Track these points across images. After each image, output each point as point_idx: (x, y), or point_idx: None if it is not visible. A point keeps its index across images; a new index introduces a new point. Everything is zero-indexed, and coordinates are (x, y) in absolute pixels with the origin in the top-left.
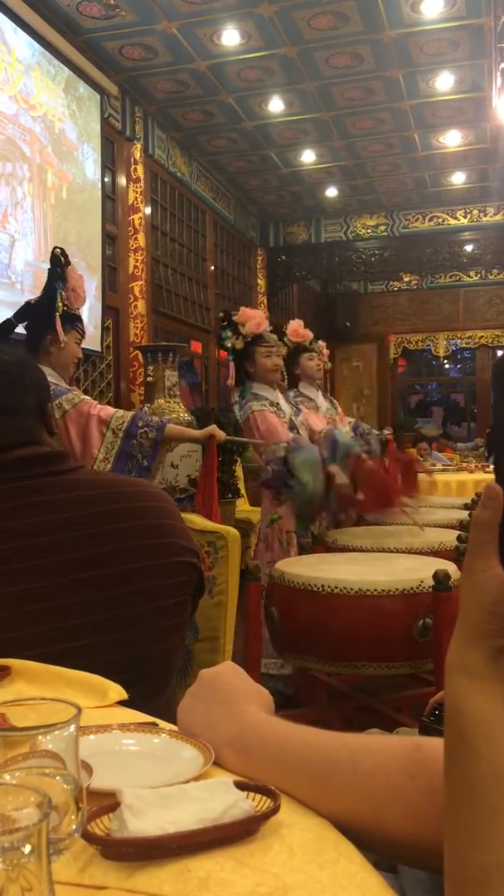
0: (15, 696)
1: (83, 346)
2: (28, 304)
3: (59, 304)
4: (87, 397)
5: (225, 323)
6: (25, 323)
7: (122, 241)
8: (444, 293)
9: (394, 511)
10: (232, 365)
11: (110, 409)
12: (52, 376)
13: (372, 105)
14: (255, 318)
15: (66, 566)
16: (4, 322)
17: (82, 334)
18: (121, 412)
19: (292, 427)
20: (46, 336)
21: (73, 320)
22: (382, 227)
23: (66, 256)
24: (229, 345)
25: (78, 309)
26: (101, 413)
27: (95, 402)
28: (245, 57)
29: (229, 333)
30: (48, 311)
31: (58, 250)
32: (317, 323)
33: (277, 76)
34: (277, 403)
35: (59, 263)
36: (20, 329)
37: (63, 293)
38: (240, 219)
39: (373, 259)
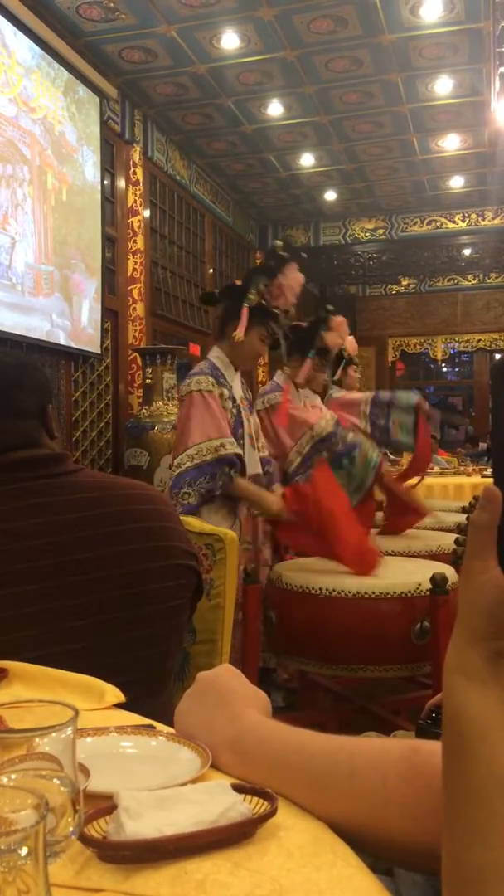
0: (12, 698)
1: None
2: (234, 284)
3: (252, 296)
4: (206, 391)
5: (272, 263)
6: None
7: (121, 244)
8: (443, 297)
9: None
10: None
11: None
12: (218, 359)
13: (371, 109)
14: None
15: (65, 568)
16: (206, 294)
17: (270, 334)
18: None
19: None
20: (231, 322)
21: (265, 317)
22: (381, 231)
23: (287, 249)
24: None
25: (281, 309)
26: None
27: (210, 401)
28: (244, 60)
29: (261, 285)
30: (240, 298)
31: (277, 242)
32: None
33: (277, 79)
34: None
35: (272, 256)
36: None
37: (262, 286)
38: (239, 222)
39: (371, 262)
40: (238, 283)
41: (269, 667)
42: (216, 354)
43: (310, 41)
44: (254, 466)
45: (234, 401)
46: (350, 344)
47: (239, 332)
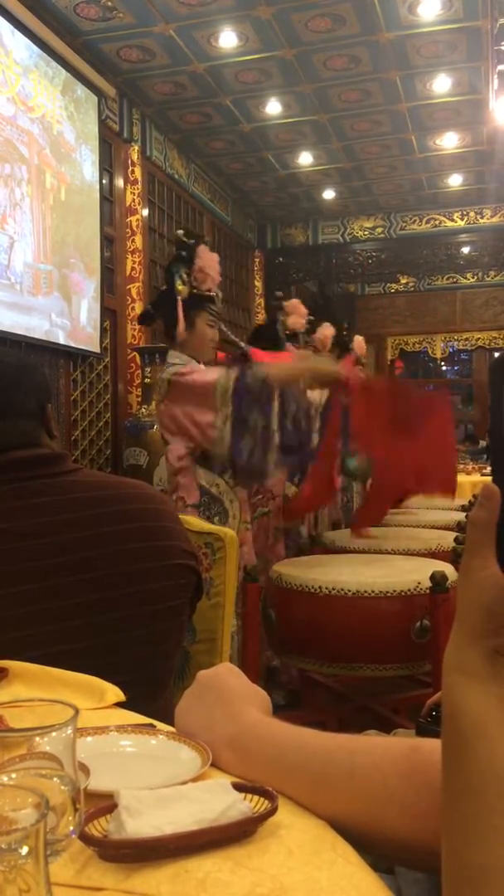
0: (12, 697)
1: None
2: (160, 291)
3: (180, 286)
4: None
5: (183, 252)
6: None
7: (119, 243)
8: (441, 295)
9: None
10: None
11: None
12: (178, 359)
13: (369, 107)
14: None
15: (65, 568)
16: (143, 313)
17: (216, 315)
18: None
19: None
20: (176, 323)
21: (203, 302)
22: (380, 229)
23: (193, 236)
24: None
25: (209, 290)
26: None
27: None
28: (242, 59)
29: (183, 274)
30: (171, 296)
31: (179, 232)
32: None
33: (275, 78)
34: None
35: (181, 246)
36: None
37: (183, 276)
38: (237, 221)
39: (370, 261)
40: (164, 288)
41: (274, 665)
42: (175, 359)
43: (308, 40)
44: None
45: None
46: (358, 344)
47: (179, 328)
